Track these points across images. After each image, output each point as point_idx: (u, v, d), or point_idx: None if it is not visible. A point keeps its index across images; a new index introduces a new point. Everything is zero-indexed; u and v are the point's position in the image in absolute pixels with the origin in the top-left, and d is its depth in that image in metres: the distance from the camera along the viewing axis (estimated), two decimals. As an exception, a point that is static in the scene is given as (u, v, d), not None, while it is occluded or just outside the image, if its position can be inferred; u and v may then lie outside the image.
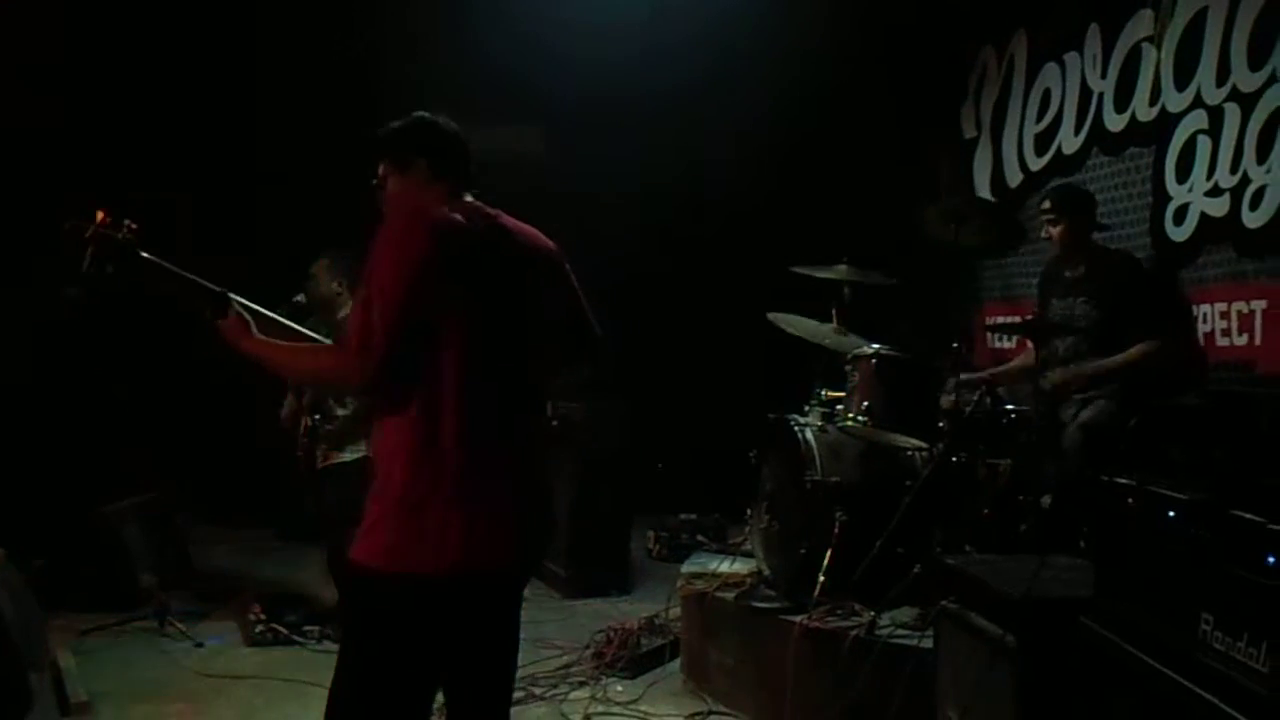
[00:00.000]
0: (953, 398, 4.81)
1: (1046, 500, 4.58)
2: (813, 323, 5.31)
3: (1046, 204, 5.26)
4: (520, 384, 2.77)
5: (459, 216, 2.69)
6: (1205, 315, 5.16)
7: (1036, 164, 6.66)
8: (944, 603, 3.51)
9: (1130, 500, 2.64)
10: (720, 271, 8.15)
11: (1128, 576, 2.64)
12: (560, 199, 8.31)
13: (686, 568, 5.45)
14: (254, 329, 2.82)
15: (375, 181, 2.89)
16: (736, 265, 7.98)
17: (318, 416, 5.46)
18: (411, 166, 2.84)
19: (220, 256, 3.22)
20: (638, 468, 6.74)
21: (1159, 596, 2.49)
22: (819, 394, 5.24)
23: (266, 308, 2.94)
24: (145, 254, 2.85)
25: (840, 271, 5.30)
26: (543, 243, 2.93)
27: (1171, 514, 2.46)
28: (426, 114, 2.91)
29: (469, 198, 2.83)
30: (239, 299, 2.86)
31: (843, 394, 5.03)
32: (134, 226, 2.85)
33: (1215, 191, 5.09)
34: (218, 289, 2.83)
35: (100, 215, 2.83)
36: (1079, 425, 4.78)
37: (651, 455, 7.28)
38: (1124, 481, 2.69)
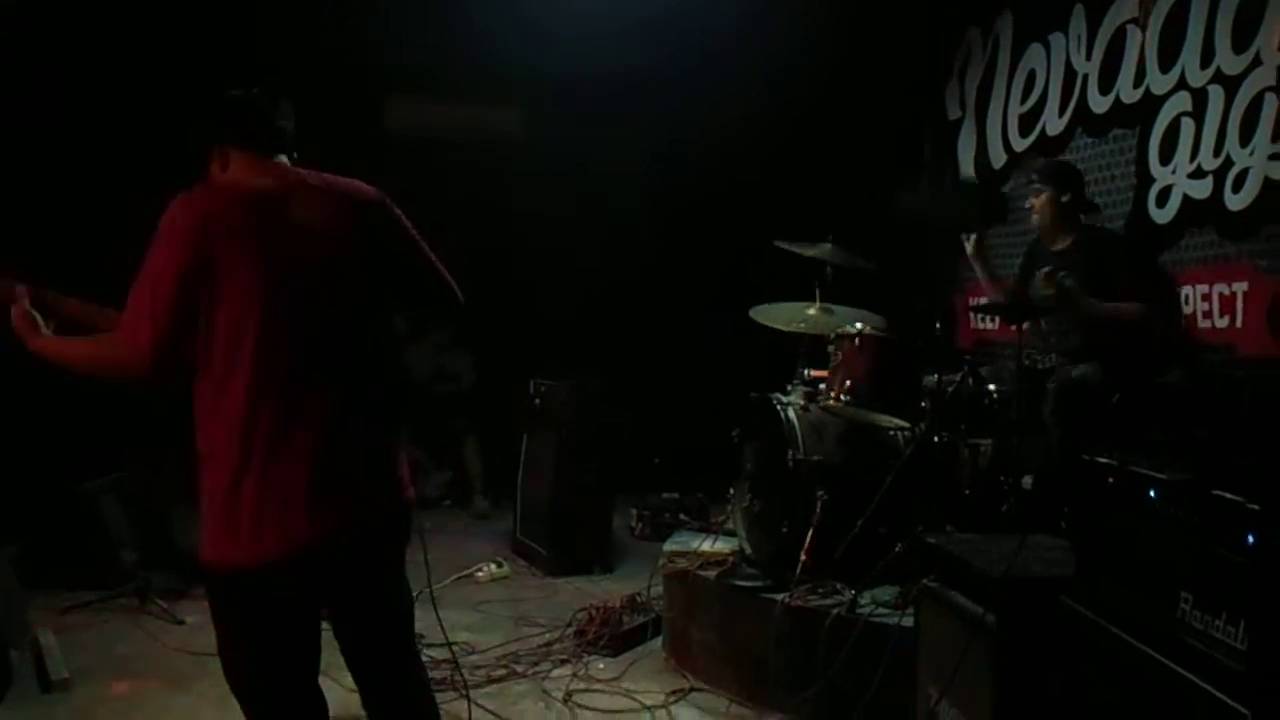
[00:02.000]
0: (935, 377, 4.82)
1: (1028, 480, 4.61)
2: (796, 306, 5.31)
3: (1035, 174, 5.29)
4: (331, 348, 2.69)
5: (250, 186, 2.66)
6: (1187, 297, 5.18)
7: (1021, 145, 6.66)
8: (925, 581, 3.53)
9: (1111, 480, 2.65)
10: (703, 250, 8.14)
11: (1108, 556, 2.65)
12: (540, 179, 8.32)
13: (668, 546, 5.46)
14: (41, 327, 2.78)
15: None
16: (720, 244, 7.98)
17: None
18: (211, 157, 2.78)
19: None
20: (620, 446, 6.74)
21: (1139, 576, 2.50)
22: (802, 373, 5.25)
23: None
24: None
25: (824, 250, 5.30)
26: (361, 196, 2.83)
27: (1152, 493, 2.47)
28: (224, 91, 2.84)
29: (282, 159, 2.78)
30: (42, 290, 2.83)
31: (826, 373, 5.03)
32: None
33: (1198, 174, 5.10)
34: (7, 279, 2.80)
35: None
36: (1059, 384, 4.76)
37: (640, 441, 7.27)
38: (1105, 461, 2.69)
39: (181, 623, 5.40)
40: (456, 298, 2.97)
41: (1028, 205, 5.27)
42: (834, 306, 5.27)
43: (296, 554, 2.61)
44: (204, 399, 2.63)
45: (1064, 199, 5.17)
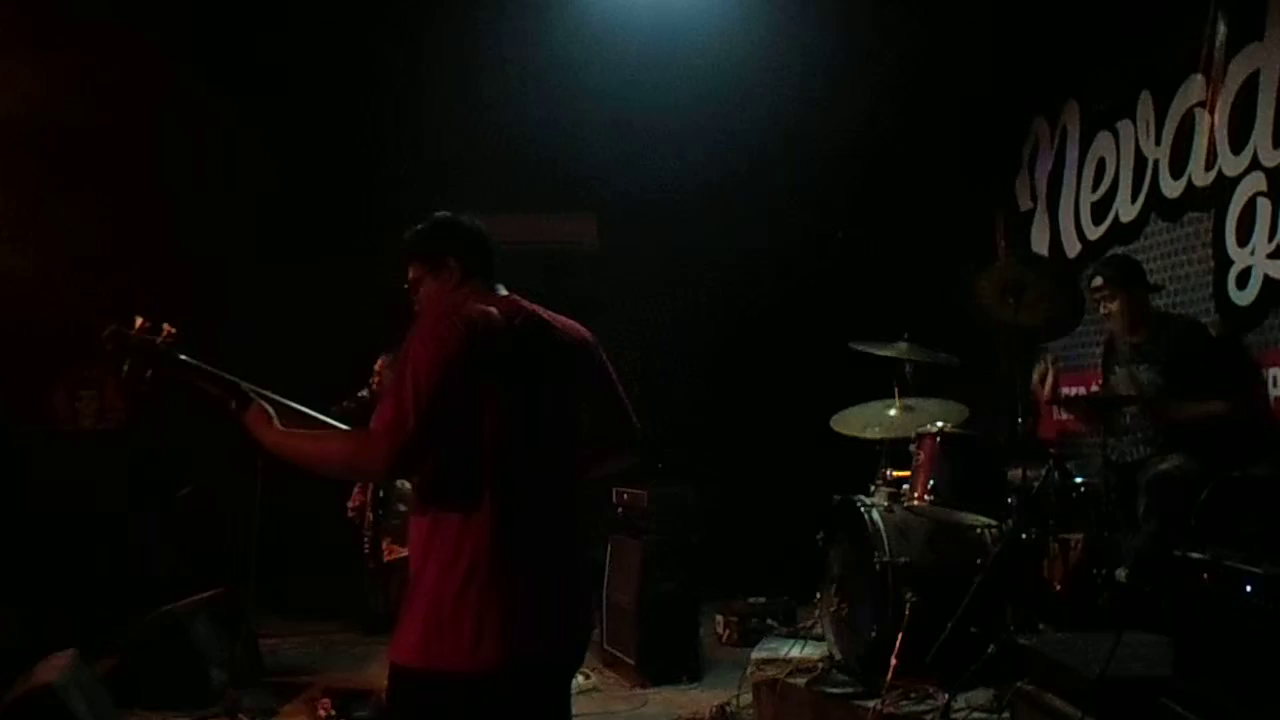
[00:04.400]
0: (1020, 472, 4.74)
1: (1121, 573, 4.49)
2: (874, 407, 5.29)
3: (1098, 280, 5.19)
4: (557, 477, 2.76)
5: (494, 311, 2.71)
6: (1275, 379, 5.07)
7: (1094, 233, 6.62)
8: (1019, 684, 3.46)
9: (1206, 575, 2.59)
10: (781, 352, 8.14)
11: (1207, 653, 2.58)
12: (615, 287, 8.41)
13: (757, 653, 5.40)
14: (276, 421, 2.79)
15: (406, 285, 2.92)
16: (797, 345, 7.97)
17: (381, 511, 5.49)
18: (443, 266, 2.86)
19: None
20: (705, 552, 6.70)
21: (1240, 674, 2.43)
22: (884, 473, 5.20)
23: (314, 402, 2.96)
24: (184, 356, 2.85)
25: (900, 349, 5.28)
26: (579, 334, 2.92)
27: (1249, 588, 2.41)
28: (449, 213, 2.94)
29: (502, 290, 2.85)
30: (260, 390, 2.85)
31: (908, 473, 4.98)
32: (172, 331, 2.86)
33: (1278, 253, 5.03)
34: (241, 383, 2.82)
35: (139, 321, 2.84)
36: (1152, 476, 4.65)
37: (724, 547, 7.24)
38: (1199, 556, 2.64)
39: (271, 743, 5.42)
40: (640, 439, 3.07)
41: (1103, 312, 5.18)
42: (915, 401, 5.23)
43: (514, 667, 2.60)
44: (434, 511, 2.65)
45: (1134, 295, 5.11)
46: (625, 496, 6.91)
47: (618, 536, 6.91)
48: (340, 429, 2.85)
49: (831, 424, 5.28)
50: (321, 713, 5.52)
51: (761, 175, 7.86)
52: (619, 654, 6.63)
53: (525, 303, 2.84)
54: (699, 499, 6.81)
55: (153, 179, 7.49)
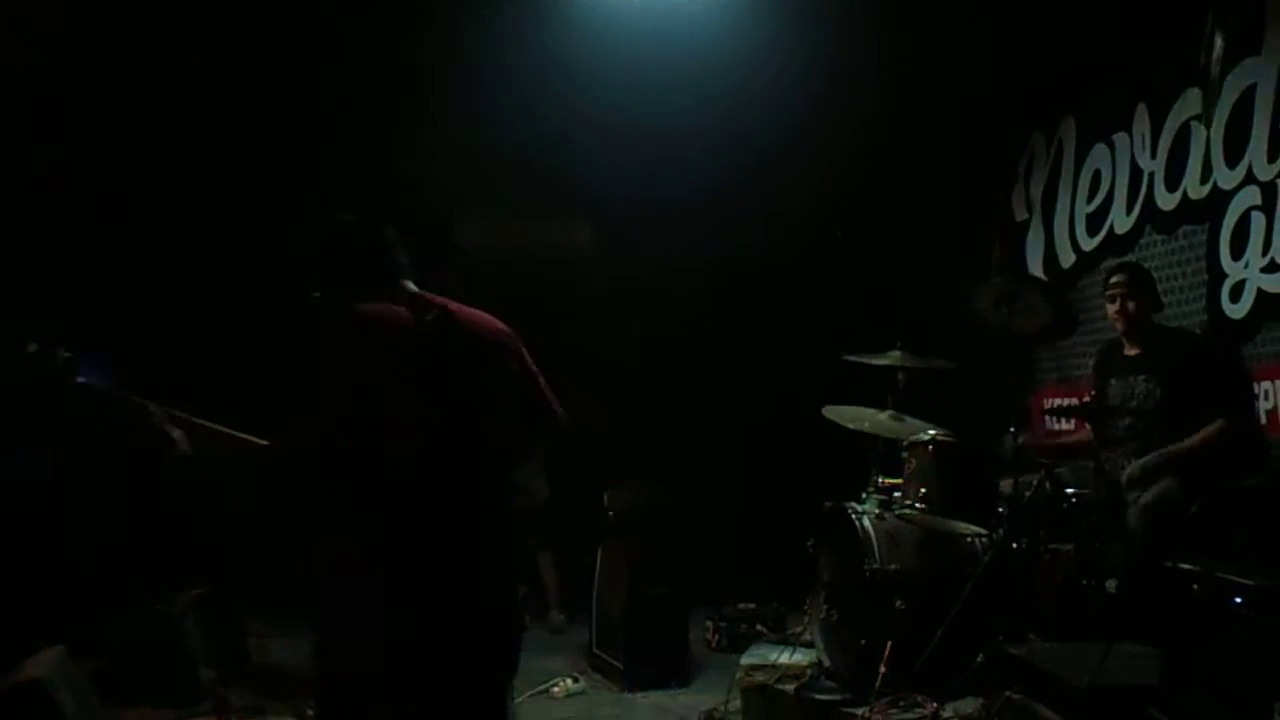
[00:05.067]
0: (1011, 481, 4.75)
1: (1111, 585, 4.50)
2: (868, 410, 5.28)
3: (1120, 277, 5.18)
4: (464, 471, 2.75)
5: (397, 308, 2.73)
6: (1267, 393, 5.08)
7: (1089, 244, 6.63)
8: (1008, 693, 3.46)
9: (1196, 586, 2.59)
10: (773, 359, 8.14)
11: (1196, 664, 2.59)
12: (608, 292, 8.41)
13: (746, 659, 5.39)
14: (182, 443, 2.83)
15: (315, 295, 2.92)
16: (789, 353, 7.97)
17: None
18: (338, 274, 2.87)
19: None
20: (695, 557, 6.70)
21: (1228, 685, 2.43)
22: (875, 481, 5.20)
23: None
24: (81, 379, 2.86)
25: (894, 357, 5.29)
26: (492, 326, 2.93)
27: (1239, 599, 2.41)
28: (340, 218, 2.94)
29: (411, 286, 2.86)
30: (171, 411, 2.87)
31: (900, 481, 4.98)
32: (67, 355, 2.85)
33: (1272, 267, 5.04)
34: (150, 405, 2.86)
35: (32, 347, 2.83)
36: (1142, 506, 4.69)
37: (714, 552, 7.23)
38: (1188, 567, 2.64)
39: (258, 742, 5.41)
40: (564, 429, 3.06)
41: (1115, 311, 5.16)
42: (905, 416, 5.22)
43: (417, 671, 2.62)
44: (341, 512, 2.67)
45: (1147, 304, 5.12)
46: (616, 501, 6.90)
47: (608, 541, 6.91)
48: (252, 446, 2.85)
49: (825, 411, 5.26)
50: (310, 713, 5.50)
51: (758, 181, 7.86)
52: (608, 658, 6.63)
53: (436, 298, 2.85)
54: (690, 504, 6.81)
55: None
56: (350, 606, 2.64)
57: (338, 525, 2.68)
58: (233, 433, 2.90)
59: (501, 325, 2.96)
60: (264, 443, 2.78)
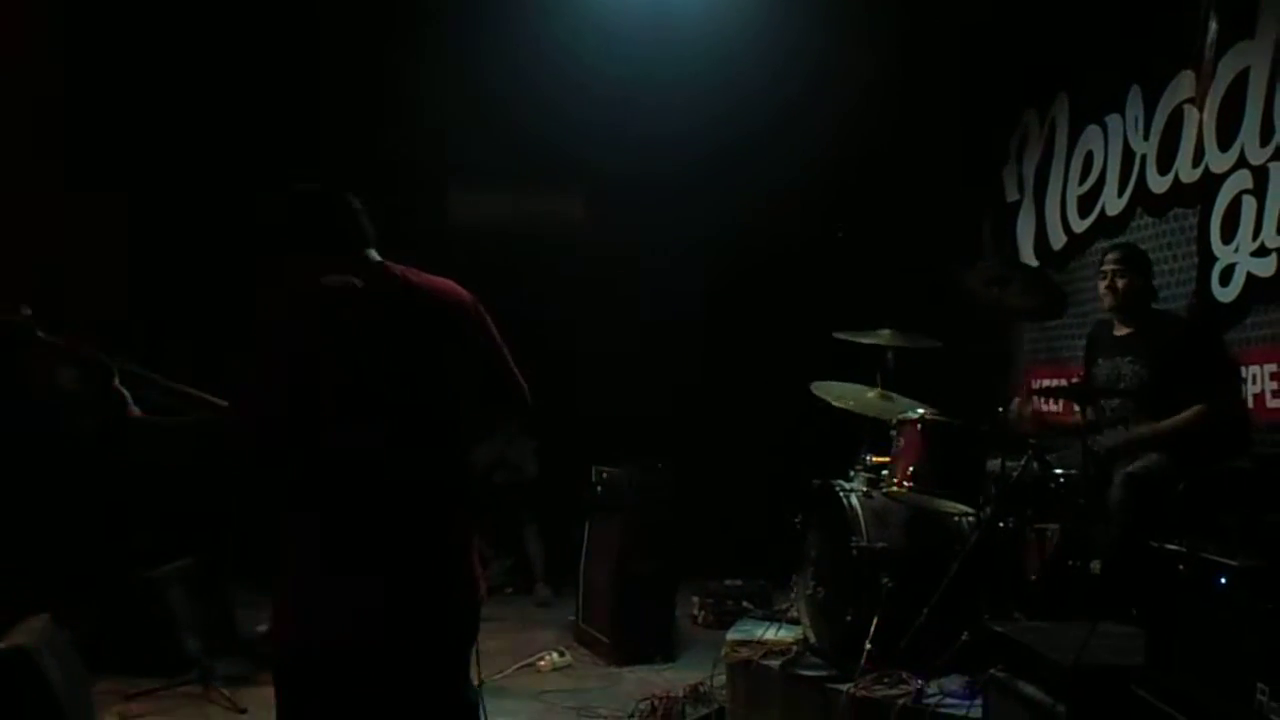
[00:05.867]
0: (999, 461, 4.76)
1: (1096, 565, 4.51)
2: (857, 388, 5.29)
3: (1115, 254, 5.17)
4: (410, 445, 2.72)
5: (349, 277, 2.71)
6: (1255, 376, 5.10)
7: (1080, 226, 6.64)
8: (992, 671, 3.47)
9: (1181, 566, 2.60)
10: (763, 337, 8.14)
11: (1180, 644, 2.60)
12: (599, 267, 8.40)
13: (731, 635, 5.40)
14: (130, 405, 2.83)
15: (265, 261, 2.89)
16: (779, 330, 7.98)
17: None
18: (299, 241, 2.85)
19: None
20: (681, 533, 6.71)
21: (1212, 665, 2.45)
22: (864, 459, 5.20)
23: None
24: (41, 334, 2.88)
25: (883, 336, 5.29)
26: (454, 295, 2.88)
27: (1223, 580, 2.43)
28: (301, 186, 2.91)
29: (374, 255, 2.84)
30: (132, 368, 2.88)
31: (888, 459, 4.99)
32: (28, 311, 2.87)
33: (1262, 251, 5.05)
34: (109, 360, 2.86)
35: None
36: (1126, 475, 4.68)
37: (701, 528, 7.25)
38: (1174, 547, 2.65)
39: (243, 711, 5.41)
40: (525, 400, 3.00)
41: (1105, 288, 5.15)
42: (893, 394, 5.23)
43: (370, 643, 2.62)
44: (289, 486, 2.67)
45: (1140, 285, 5.11)
46: (604, 476, 6.92)
47: (595, 517, 6.92)
48: (208, 411, 2.87)
49: (813, 388, 5.27)
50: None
51: (749, 158, 7.85)
52: (594, 632, 6.65)
53: (394, 267, 2.82)
54: (678, 481, 6.82)
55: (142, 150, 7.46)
56: (302, 575, 2.65)
57: (287, 495, 2.68)
58: (203, 395, 2.92)
59: (464, 293, 2.90)
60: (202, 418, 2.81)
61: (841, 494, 4.84)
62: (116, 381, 2.84)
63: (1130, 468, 4.72)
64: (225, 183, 7.34)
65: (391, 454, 2.68)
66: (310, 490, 2.63)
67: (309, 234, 2.83)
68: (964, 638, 4.24)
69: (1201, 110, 5.52)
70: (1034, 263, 6.99)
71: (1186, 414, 4.78)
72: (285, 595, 2.68)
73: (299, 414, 2.60)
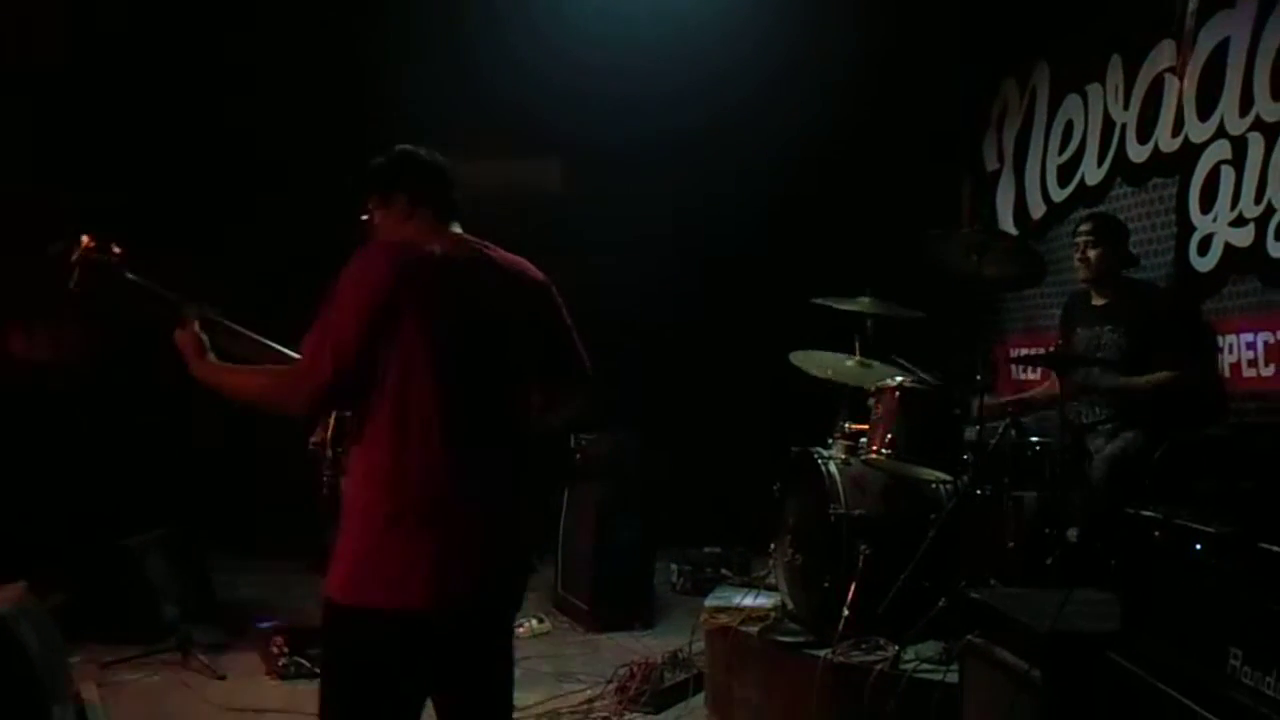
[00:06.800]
0: (977, 429, 4.78)
1: (1073, 533, 4.54)
2: (836, 356, 5.29)
3: (1087, 225, 5.20)
4: (492, 416, 2.75)
5: (435, 248, 2.71)
6: (1231, 346, 5.12)
7: (1059, 195, 6.64)
8: (969, 637, 3.49)
9: (1157, 533, 2.62)
10: (742, 304, 8.14)
11: (1155, 610, 2.62)
12: (578, 234, 8.37)
13: (710, 601, 5.42)
14: (208, 349, 2.82)
15: (365, 217, 2.91)
16: (758, 298, 7.97)
17: (340, 449, 5.43)
18: (392, 199, 2.86)
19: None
20: (660, 500, 6.72)
21: (1187, 631, 2.46)
22: (842, 426, 5.21)
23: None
24: (131, 275, 2.90)
25: (862, 303, 5.29)
26: (530, 276, 2.92)
27: (1199, 547, 2.44)
28: (408, 146, 2.93)
29: (457, 228, 2.84)
30: (212, 315, 2.88)
31: (866, 426, 5.00)
32: (118, 250, 2.90)
33: (1240, 221, 5.06)
34: (189, 305, 2.86)
35: (85, 240, 2.88)
36: (1105, 457, 4.75)
37: (680, 495, 7.26)
38: (1150, 514, 2.66)
39: (223, 678, 5.41)
40: (588, 376, 3.07)
41: (1078, 259, 5.18)
42: (872, 362, 5.24)
43: (439, 606, 2.61)
44: (365, 446, 2.65)
45: (1113, 254, 5.13)
46: (584, 444, 6.91)
47: (575, 484, 6.92)
48: (280, 364, 2.84)
49: (791, 358, 5.28)
50: (275, 650, 5.51)
51: (728, 127, 7.82)
52: (573, 599, 6.67)
53: (476, 242, 2.84)
54: (656, 448, 6.82)
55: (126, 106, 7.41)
56: (375, 539, 2.61)
57: (364, 457, 2.66)
58: (280, 349, 2.91)
59: (539, 274, 2.95)
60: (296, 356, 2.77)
61: (820, 461, 4.85)
62: (190, 328, 2.82)
63: (1108, 451, 4.76)
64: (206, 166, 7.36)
65: (470, 417, 2.68)
66: (398, 452, 2.61)
67: (424, 198, 2.84)
68: (941, 604, 4.27)
69: (1182, 79, 5.52)
70: (1014, 231, 6.99)
71: (1157, 376, 4.83)
72: (367, 553, 2.63)
73: (378, 372, 2.59)
